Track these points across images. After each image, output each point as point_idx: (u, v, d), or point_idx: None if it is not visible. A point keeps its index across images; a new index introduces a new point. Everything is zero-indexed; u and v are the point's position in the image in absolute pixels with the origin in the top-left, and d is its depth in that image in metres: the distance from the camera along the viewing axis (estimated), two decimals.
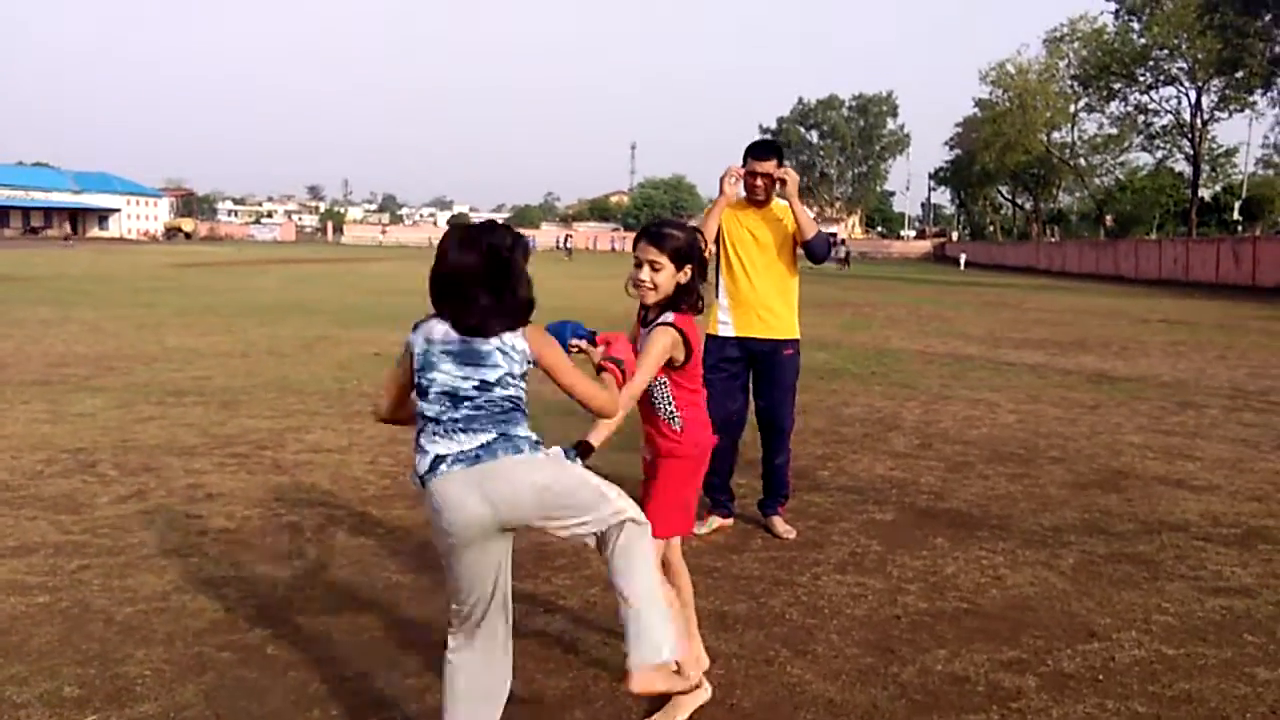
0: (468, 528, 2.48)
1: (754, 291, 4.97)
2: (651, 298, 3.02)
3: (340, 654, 3.50)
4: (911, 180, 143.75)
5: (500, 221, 2.58)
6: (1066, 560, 4.67)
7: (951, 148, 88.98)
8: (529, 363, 2.56)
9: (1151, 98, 60.31)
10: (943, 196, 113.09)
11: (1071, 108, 71.20)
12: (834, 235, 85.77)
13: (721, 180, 4.90)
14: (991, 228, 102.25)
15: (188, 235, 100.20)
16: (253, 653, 3.49)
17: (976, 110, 79.25)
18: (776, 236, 4.96)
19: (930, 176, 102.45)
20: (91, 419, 7.44)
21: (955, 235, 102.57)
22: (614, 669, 3.41)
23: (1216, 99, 56.57)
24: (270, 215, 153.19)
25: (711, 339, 4.95)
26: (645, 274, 2.99)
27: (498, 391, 2.50)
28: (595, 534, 2.62)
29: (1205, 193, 68.14)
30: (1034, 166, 78.54)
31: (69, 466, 5.98)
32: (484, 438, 2.48)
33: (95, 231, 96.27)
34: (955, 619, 3.94)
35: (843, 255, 61.77)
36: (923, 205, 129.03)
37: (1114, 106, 63.71)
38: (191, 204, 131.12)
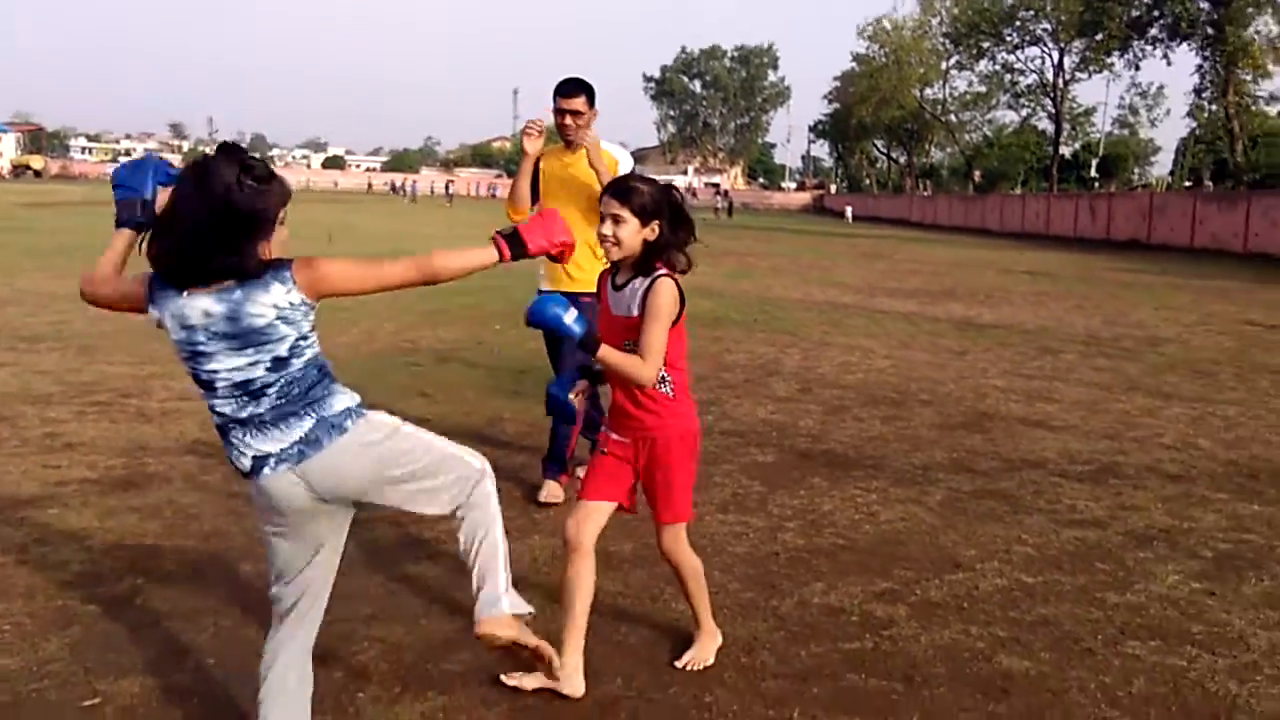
0: (301, 513, 2.26)
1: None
2: (615, 254, 2.83)
3: (212, 604, 3.39)
4: (792, 133, 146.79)
5: (245, 150, 2.13)
6: (934, 497, 4.89)
7: (830, 101, 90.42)
8: (312, 307, 2.21)
9: (1018, 57, 62.48)
10: (822, 149, 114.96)
11: (943, 65, 73.14)
12: (717, 185, 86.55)
13: (522, 136, 4.75)
14: (868, 181, 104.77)
15: (37, 173, 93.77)
16: (121, 605, 3.35)
17: (854, 65, 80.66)
18: (584, 183, 4.61)
19: (810, 129, 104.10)
20: None
21: (834, 188, 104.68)
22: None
23: (1077, 60, 58.97)
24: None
25: (542, 294, 4.75)
26: (608, 228, 2.81)
27: (295, 365, 2.18)
28: (456, 504, 2.41)
29: (1066, 150, 71.23)
30: (908, 122, 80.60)
31: None
32: (301, 428, 2.18)
33: None
34: (831, 554, 4.09)
35: (725, 205, 62.37)
36: (803, 158, 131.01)
37: (983, 65, 65.72)
38: (40, 140, 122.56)
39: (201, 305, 2.12)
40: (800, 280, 17.45)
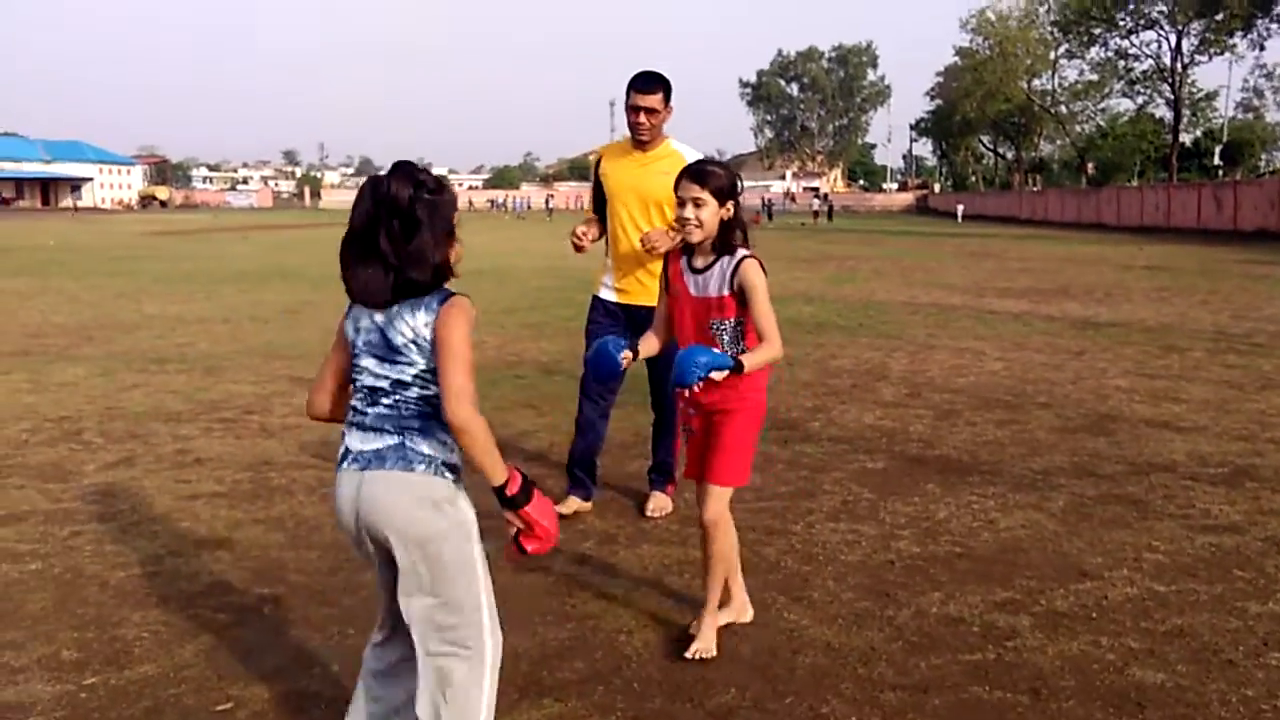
0: (346, 530, 2.25)
1: (636, 250, 4.37)
2: (698, 235, 2.99)
3: (337, 614, 3.49)
4: (893, 132, 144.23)
5: (420, 166, 2.17)
6: (1056, 503, 4.71)
7: (932, 98, 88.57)
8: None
9: (1132, 42, 60.09)
10: (924, 148, 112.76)
11: (1052, 54, 70.88)
12: (816, 189, 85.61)
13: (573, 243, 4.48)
14: (974, 178, 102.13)
15: (163, 203, 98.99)
16: (249, 614, 3.48)
17: (957, 59, 78.76)
18: (658, 189, 4.22)
19: (911, 128, 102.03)
20: (74, 388, 7.37)
21: (938, 187, 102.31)
22: (613, 618, 3.43)
23: (1196, 42, 56.39)
24: (246, 181, 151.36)
25: (595, 300, 4.59)
26: (689, 211, 2.97)
27: (414, 391, 2.16)
28: (421, 640, 2.20)
29: (1186, 138, 68.25)
30: (1015, 115, 78.32)
31: (54, 435, 5.92)
32: (383, 442, 2.17)
33: (67, 202, 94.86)
34: (948, 563, 3.97)
35: (825, 209, 61.63)
36: (904, 157, 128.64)
37: (1094, 52, 63.47)
38: (165, 171, 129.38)
39: (366, 316, 2.20)
40: (904, 283, 17.09)
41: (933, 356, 8.99)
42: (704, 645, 3.14)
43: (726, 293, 3.00)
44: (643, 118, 4.29)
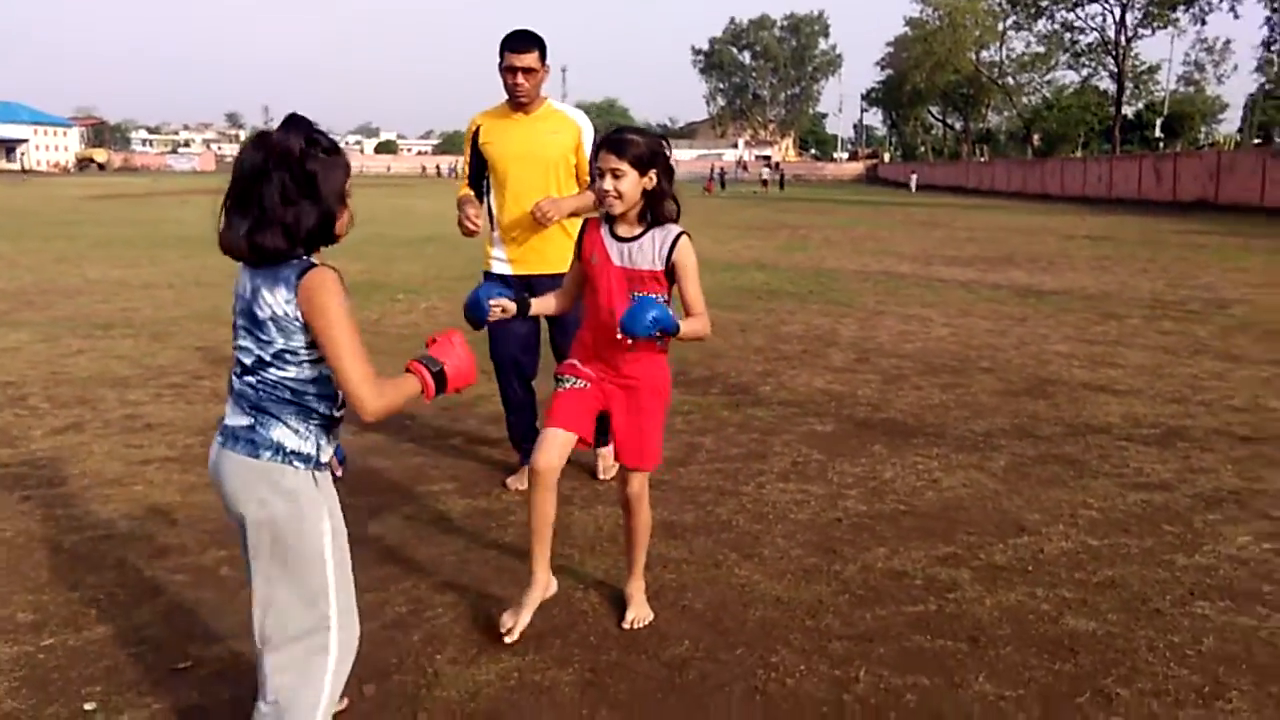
0: (219, 490, 2.17)
1: (527, 216, 4.18)
2: (618, 207, 2.89)
3: None
4: (844, 102, 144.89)
5: (315, 125, 2.04)
6: (997, 463, 4.87)
7: (883, 68, 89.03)
8: (306, 329, 2.03)
9: (1078, 15, 61.00)
10: (875, 118, 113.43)
11: (1000, 26, 71.65)
12: (768, 158, 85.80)
13: (461, 226, 4.25)
14: (923, 148, 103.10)
15: (101, 166, 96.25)
16: (207, 575, 3.50)
17: (907, 29, 79.22)
18: (549, 147, 4.17)
19: (862, 98, 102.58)
20: (16, 353, 7.23)
21: (888, 157, 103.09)
22: (569, 576, 3.50)
23: (1140, 15, 57.37)
24: (187, 144, 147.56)
25: (487, 276, 4.33)
26: (608, 183, 2.87)
27: (272, 373, 2.07)
28: (261, 629, 2.14)
29: (1128, 110, 69.37)
30: (963, 86, 79.10)
31: None
32: (239, 420, 2.10)
33: (2, 164, 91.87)
34: (893, 520, 4.10)
35: (776, 178, 61.85)
36: (855, 127, 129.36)
37: (1041, 24, 64.34)
38: (104, 134, 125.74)
39: (245, 276, 2.09)
40: (855, 251, 17.29)
41: (881, 323, 9.15)
42: (640, 613, 3.18)
43: (660, 267, 2.92)
44: (520, 79, 4.10)
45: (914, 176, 64.41)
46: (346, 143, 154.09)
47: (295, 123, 2.02)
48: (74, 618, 3.15)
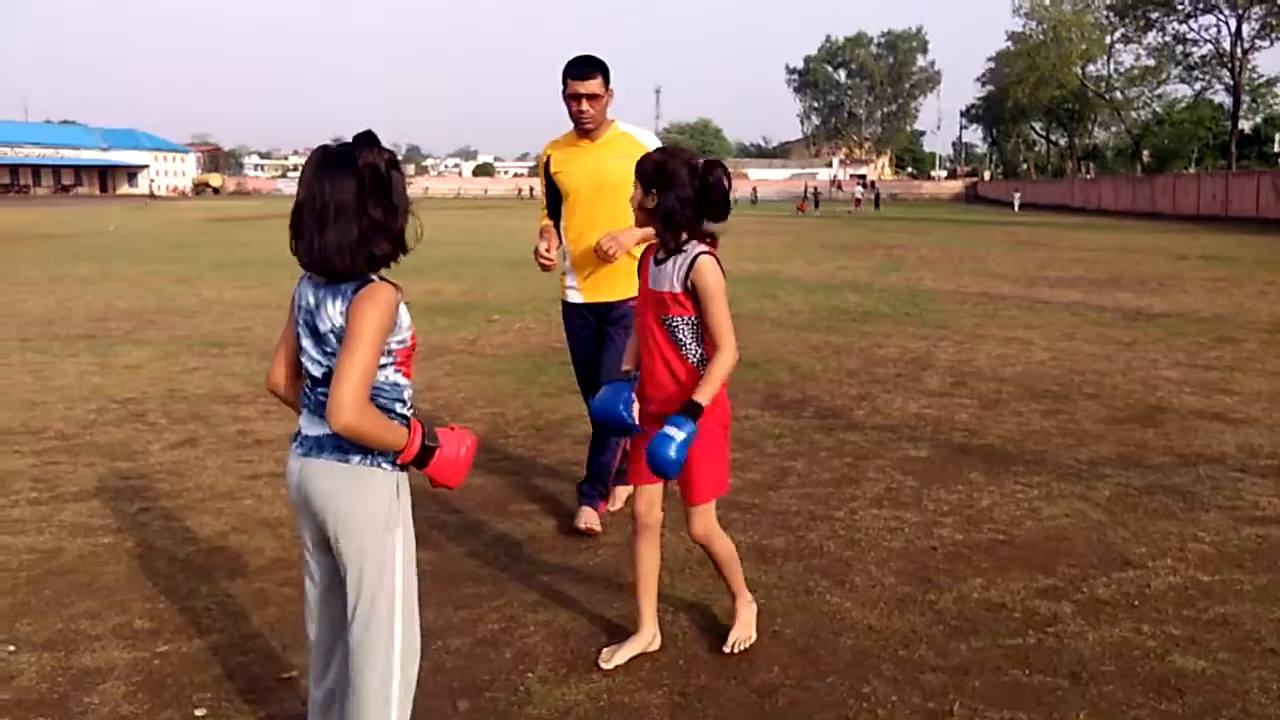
0: (297, 506, 2.26)
1: (595, 246, 4.15)
2: (641, 220, 2.96)
3: None
4: (943, 119, 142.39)
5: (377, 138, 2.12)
6: (1102, 493, 4.71)
7: (983, 84, 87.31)
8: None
9: (1190, 26, 58.86)
10: (975, 135, 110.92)
11: (1107, 39, 69.55)
12: (863, 176, 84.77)
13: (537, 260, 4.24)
14: (1025, 166, 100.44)
15: (216, 190, 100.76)
16: None
17: (1009, 44, 77.56)
18: (615, 173, 3.98)
19: (962, 114, 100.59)
20: (138, 370, 7.62)
21: (988, 174, 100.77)
22: (660, 599, 3.52)
23: (1257, 26, 54.98)
24: (296, 169, 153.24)
25: (565, 306, 4.40)
26: (635, 195, 2.95)
27: None
28: (355, 588, 2.18)
29: (1245, 124, 66.49)
30: (1068, 101, 76.95)
31: (120, 415, 6.15)
32: (322, 429, 2.13)
33: (125, 189, 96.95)
34: (991, 550, 4.01)
35: (872, 196, 61.05)
36: (954, 144, 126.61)
37: (1151, 37, 62.28)
38: (218, 159, 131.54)
39: (309, 290, 2.14)
40: (953, 272, 16.95)
41: (980, 346, 8.95)
42: (740, 634, 3.17)
43: (679, 289, 2.85)
44: (585, 105, 4.07)
45: (1018, 195, 62.53)
46: (446, 166, 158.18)
47: (370, 139, 2.09)
48: (187, 626, 3.31)
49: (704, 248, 2.87)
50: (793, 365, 7.97)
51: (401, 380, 2.19)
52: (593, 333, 4.36)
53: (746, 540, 4.10)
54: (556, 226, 4.37)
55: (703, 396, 2.79)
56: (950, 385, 7.22)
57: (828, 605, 3.49)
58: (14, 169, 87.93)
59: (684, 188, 2.82)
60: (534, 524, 4.33)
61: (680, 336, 2.92)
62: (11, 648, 3.14)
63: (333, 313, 2.09)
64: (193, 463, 5.17)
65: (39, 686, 2.91)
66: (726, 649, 3.13)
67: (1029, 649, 3.15)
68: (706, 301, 2.83)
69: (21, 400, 6.54)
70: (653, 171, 2.85)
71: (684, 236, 2.88)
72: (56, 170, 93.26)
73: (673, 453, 2.71)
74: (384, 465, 2.16)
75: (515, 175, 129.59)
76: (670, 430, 2.73)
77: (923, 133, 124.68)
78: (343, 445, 2.13)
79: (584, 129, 4.17)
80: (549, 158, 4.34)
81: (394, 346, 2.14)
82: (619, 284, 4.26)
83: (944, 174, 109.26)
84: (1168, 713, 2.77)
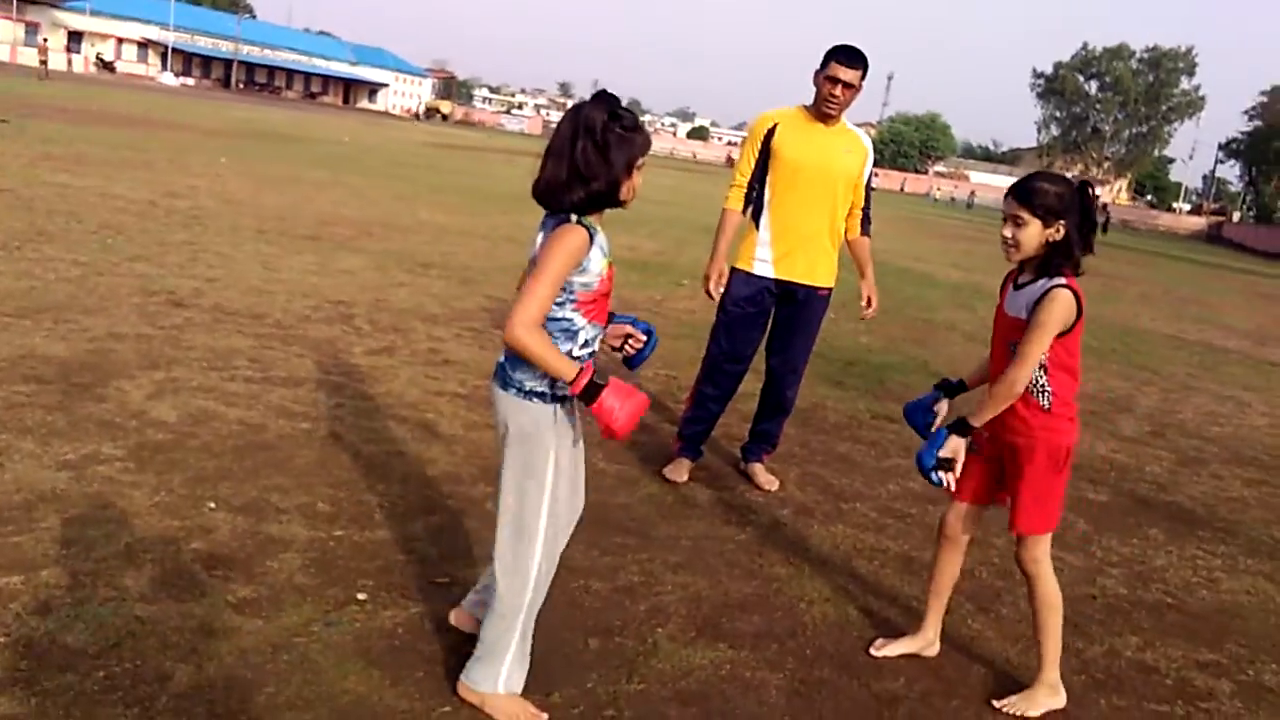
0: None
1: (805, 225, 4.28)
2: (1015, 256, 2.81)
3: None
4: (1197, 149, 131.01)
5: (619, 101, 2.34)
6: None
7: (1252, 118, 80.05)
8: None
9: None
10: (1231, 171, 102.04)
11: None
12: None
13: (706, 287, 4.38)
14: None
15: (444, 117, 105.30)
16: (474, 505, 3.86)
17: None
18: (840, 164, 4.25)
19: (1220, 147, 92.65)
20: (352, 276, 8.19)
21: (1236, 215, 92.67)
22: (797, 586, 3.54)
23: None
24: (521, 107, 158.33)
25: (739, 275, 4.38)
26: (1008, 230, 2.78)
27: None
28: (505, 492, 2.48)
29: None
30: None
31: (331, 316, 6.65)
32: (499, 358, 2.47)
33: (364, 104, 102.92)
34: (1155, 611, 3.80)
35: (1101, 220, 57.31)
36: (1205, 178, 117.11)
37: None
38: (451, 87, 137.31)
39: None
40: (1173, 314, 15.80)
41: (1189, 398, 8.36)
42: (1024, 705, 2.93)
43: (1024, 316, 2.77)
44: (839, 91, 4.14)
45: None
46: (662, 124, 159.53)
47: (603, 98, 2.32)
48: (361, 517, 3.60)
49: (1063, 279, 2.76)
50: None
51: (579, 321, 2.38)
52: (761, 310, 4.41)
53: (896, 549, 4.06)
54: (749, 197, 4.38)
55: (975, 418, 2.82)
56: (1147, 433, 6.81)
57: (968, 629, 3.42)
58: (271, 70, 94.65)
59: (1076, 215, 2.77)
60: (688, 489, 4.43)
61: None
62: (212, 504, 3.51)
63: (538, 243, 2.37)
64: (386, 370, 5.55)
65: (230, 543, 3.25)
66: (998, 704, 2.94)
67: (1175, 719, 2.99)
68: (1031, 327, 2.74)
69: (250, 286, 7.17)
70: (1056, 203, 2.74)
71: (1053, 268, 2.77)
72: (307, 77, 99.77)
73: (924, 458, 2.85)
74: (534, 400, 2.39)
75: (729, 143, 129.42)
76: (936, 439, 2.85)
77: (1172, 160, 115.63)
78: (505, 377, 2.41)
79: (828, 113, 4.23)
80: (775, 126, 4.30)
81: (576, 286, 2.34)
82: (821, 270, 4.39)
83: (1187, 207, 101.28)
84: None
